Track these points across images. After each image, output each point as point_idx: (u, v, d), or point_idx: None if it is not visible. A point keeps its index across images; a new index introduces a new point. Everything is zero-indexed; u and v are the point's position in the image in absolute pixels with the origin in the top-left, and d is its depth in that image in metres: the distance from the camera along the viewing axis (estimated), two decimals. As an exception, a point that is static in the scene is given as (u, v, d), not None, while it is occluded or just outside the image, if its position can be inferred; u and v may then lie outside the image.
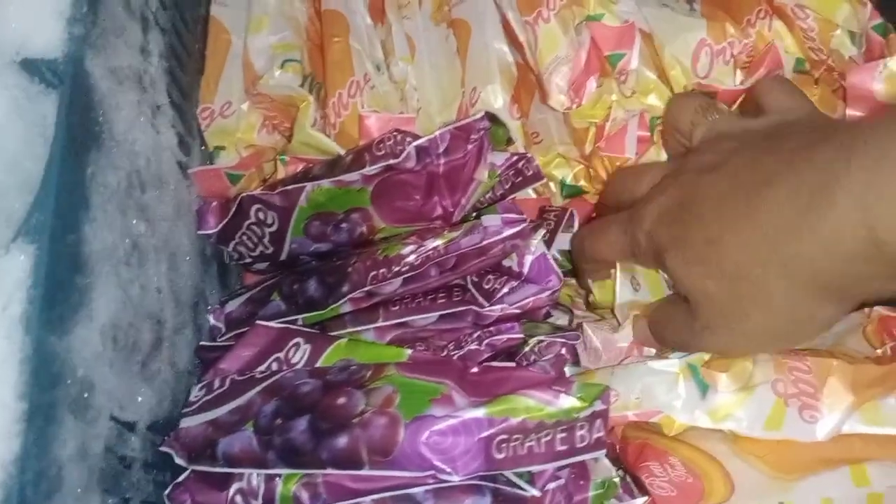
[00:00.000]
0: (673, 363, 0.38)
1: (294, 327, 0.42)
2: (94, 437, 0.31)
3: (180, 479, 0.37)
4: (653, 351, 0.42)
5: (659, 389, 0.38)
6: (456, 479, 0.34)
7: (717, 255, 0.35)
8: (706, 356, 0.39)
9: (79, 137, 0.32)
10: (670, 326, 0.40)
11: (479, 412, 0.36)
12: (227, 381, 0.39)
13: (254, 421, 0.36)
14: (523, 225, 0.40)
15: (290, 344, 0.40)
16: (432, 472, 0.34)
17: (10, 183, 0.31)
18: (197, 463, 0.36)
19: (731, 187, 0.35)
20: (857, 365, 0.38)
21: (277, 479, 0.36)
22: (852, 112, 0.46)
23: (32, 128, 0.32)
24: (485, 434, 0.35)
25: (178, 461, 0.36)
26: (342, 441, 0.35)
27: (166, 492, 0.36)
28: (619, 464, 0.38)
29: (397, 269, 0.41)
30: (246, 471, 0.36)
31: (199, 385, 0.39)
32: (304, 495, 0.36)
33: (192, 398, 0.39)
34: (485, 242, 0.40)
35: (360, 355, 0.40)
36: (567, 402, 0.35)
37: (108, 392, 0.32)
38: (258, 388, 0.38)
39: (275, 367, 0.40)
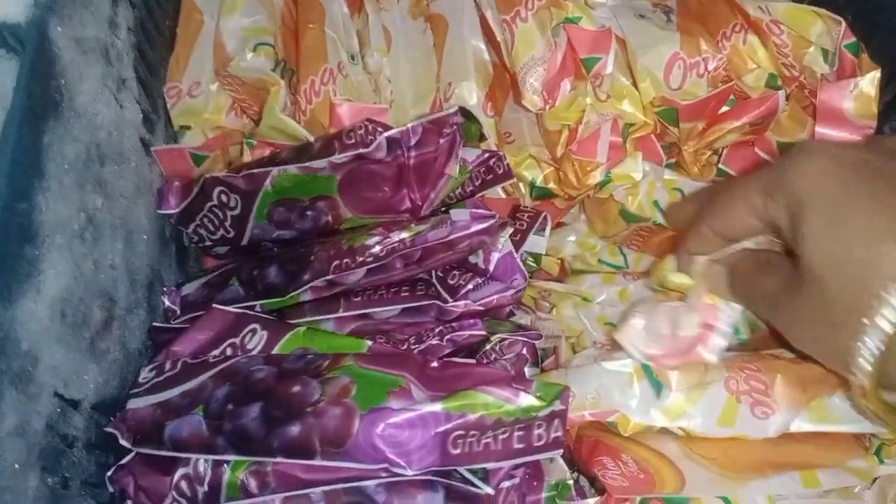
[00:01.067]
0: (627, 363, 0.38)
1: (252, 313, 0.41)
2: (35, 412, 0.30)
3: (123, 461, 0.35)
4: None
5: (614, 389, 0.38)
6: (410, 474, 0.34)
7: None
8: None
9: (38, 105, 0.31)
10: (764, 281, 0.35)
11: (437, 406, 0.35)
12: (179, 364, 0.38)
13: (204, 405, 0.35)
14: (492, 221, 0.40)
15: (247, 329, 0.39)
16: (386, 465, 0.34)
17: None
18: (142, 446, 0.35)
19: None
20: (803, 364, 0.38)
21: (225, 465, 0.35)
22: (821, 129, 0.46)
23: (-11, 93, 0.31)
24: (441, 429, 0.35)
25: (123, 443, 0.35)
26: (294, 430, 0.35)
27: (108, 473, 0.35)
28: (573, 465, 0.38)
29: (361, 259, 0.41)
30: (193, 456, 0.35)
31: (149, 366, 0.38)
32: (252, 483, 0.35)
33: (140, 379, 0.38)
34: (452, 237, 0.40)
35: (319, 344, 0.39)
36: (526, 400, 0.35)
37: (53, 368, 0.31)
38: (211, 373, 0.37)
39: (229, 352, 0.39)
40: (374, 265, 0.41)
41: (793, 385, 0.37)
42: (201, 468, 0.35)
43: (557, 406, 0.35)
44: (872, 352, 0.28)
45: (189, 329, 0.40)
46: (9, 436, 0.28)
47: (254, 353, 0.39)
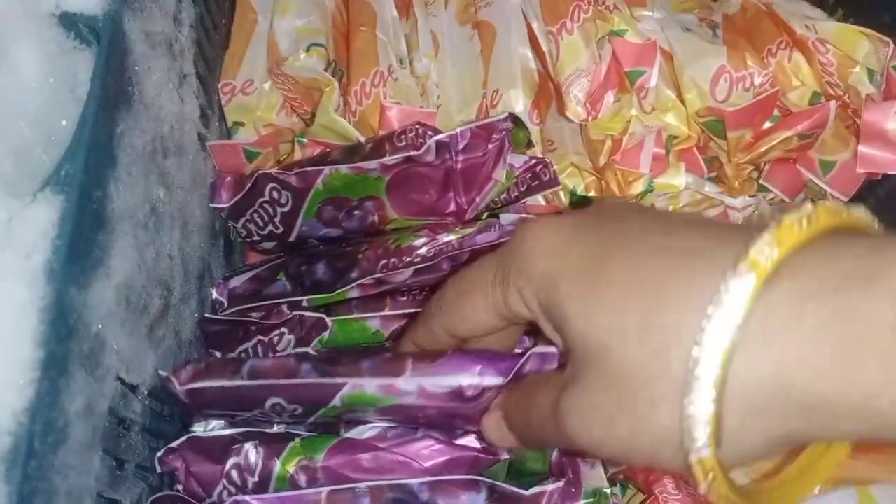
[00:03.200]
0: None
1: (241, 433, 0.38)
2: (100, 395, 0.30)
3: (174, 444, 0.36)
4: None
5: None
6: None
7: None
8: None
9: (112, 96, 0.32)
10: (536, 400, 0.29)
11: None
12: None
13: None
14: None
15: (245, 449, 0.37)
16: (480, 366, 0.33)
17: (38, 136, 0.31)
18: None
19: None
20: None
21: (276, 458, 0.36)
22: (865, 149, 0.46)
23: (63, 84, 0.32)
24: None
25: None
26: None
27: (158, 454, 0.36)
28: (623, 482, 0.38)
29: (409, 259, 0.42)
30: (244, 444, 0.36)
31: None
32: (302, 478, 0.36)
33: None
34: (501, 240, 0.40)
35: (315, 450, 0.37)
36: None
37: (118, 352, 0.32)
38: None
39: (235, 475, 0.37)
40: (421, 265, 0.42)
41: None
42: (252, 458, 0.36)
43: None
44: (705, 423, 0.21)
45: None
46: (77, 416, 0.29)
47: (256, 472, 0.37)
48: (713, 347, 0.20)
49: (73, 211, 0.29)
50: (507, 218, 0.41)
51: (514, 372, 0.32)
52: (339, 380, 0.34)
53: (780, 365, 0.20)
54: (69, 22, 0.33)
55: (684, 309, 0.22)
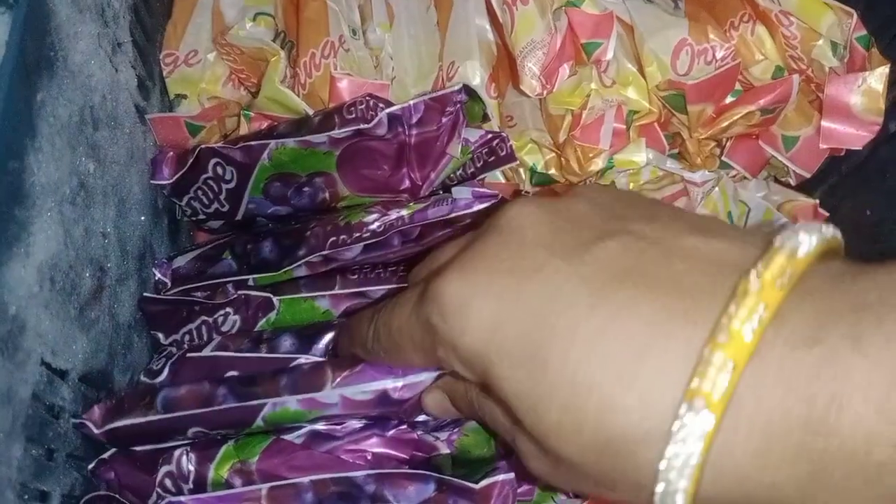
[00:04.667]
0: None
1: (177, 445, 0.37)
2: (20, 380, 0.29)
3: (105, 455, 0.35)
4: None
5: None
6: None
7: None
8: None
9: (31, 61, 0.30)
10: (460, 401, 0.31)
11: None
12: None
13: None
14: (494, 200, 0.39)
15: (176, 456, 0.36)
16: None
17: (-49, 101, 0.29)
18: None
19: None
20: None
21: (209, 463, 0.35)
22: (827, 124, 0.46)
23: (-20, 47, 0.30)
24: None
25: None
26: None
27: (90, 466, 0.34)
28: None
29: (358, 235, 0.40)
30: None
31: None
32: (237, 481, 0.34)
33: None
34: (453, 214, 0.39)
35: (249, 454, 0.36)
36: None
37: (41, 335, 0.30)
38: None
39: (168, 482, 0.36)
40: (371, 241, 0.40)
41: None
42: (184, 465, 0.35)
43: None
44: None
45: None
46: (-7, 403, 0.27)
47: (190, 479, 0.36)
48: (677, 475, 0.19)
49: (-16, 184, 0.26)
50: (459, 192, 0.40)
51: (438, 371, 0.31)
52: (257, 401, 0.33)
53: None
54: (-15, -17, 0.30)
55: (641, 426, 0.19)
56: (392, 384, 0.32)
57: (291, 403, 0.33)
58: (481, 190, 0.39)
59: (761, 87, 0.45)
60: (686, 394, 0.19)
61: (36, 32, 0.31)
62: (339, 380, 0.33)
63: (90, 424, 0.34)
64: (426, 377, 0.31)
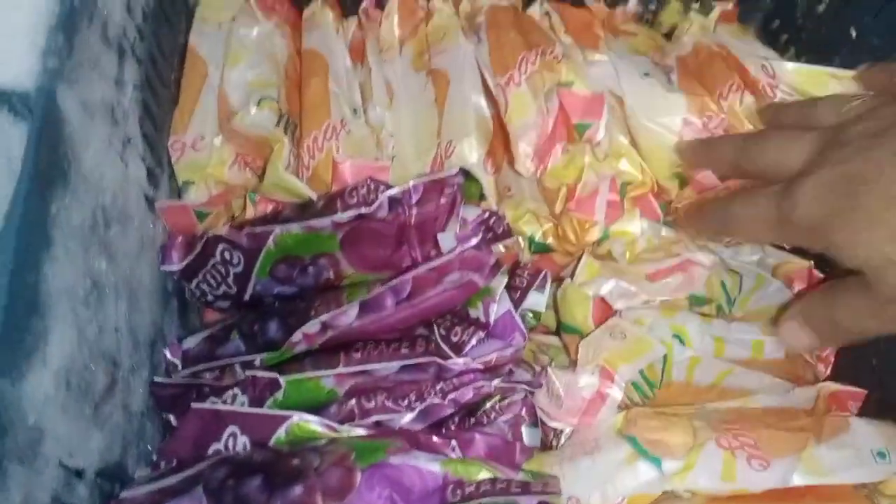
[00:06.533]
0: (618, 451, 0.39)
1: (226, 409, 0.41)
2: (40, 486, 0.30)
3: None
4: (613, 408, 0.42)
5: (617, 479, 0.39)
6: None
7: None
8: (644, 429, 0.40)
9: (45, 174, 0.32)
10: (842, 312, 0.38)
11: (435, 466, 0.36)
12: (174, 461, 0.38)
13: (204, 483, 0.35)
14: (477, 238, 0.41)
15: (227, 434, 0.39)
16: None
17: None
18: None
19: None
20: (778, 414, 0.42)
21: None
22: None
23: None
24: (439, 483, 0.36)
25: None
26: (297, 489, 0.35)
27: None
28: None
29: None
30: None
31: (144, 465, 0.39)
32: None
33: (137, 476, 0.38)
34: (439, 262, 0.40)
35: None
36: (522, 475, 0.36)
37: (59, 438, 0.31)
38: (209, 462, 0.37)
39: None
40: (364, 299, 0.41)
41: (777, 437, 0.40)
42: None
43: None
44: None
45: (177, 429, 0.40)
46: (13, 512, 0.28)
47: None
48: None
49: (4, 300, 0.28)
50: (444, 238, 0.41)
51: None
52: None
53: None
54: (2, 98, 0.32)
55: None
56: None
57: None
58: (463, 233, 0.41)
59: None
60: None
61: (50, 144, 0.32)
62: None
63: None
64: None
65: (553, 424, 0.44)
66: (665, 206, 0.50)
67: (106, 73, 0.38)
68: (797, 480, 0.38)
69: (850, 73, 0.46)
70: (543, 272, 0.48)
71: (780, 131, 0.43)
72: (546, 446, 0.44)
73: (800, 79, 0.47)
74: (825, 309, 0.39)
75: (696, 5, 0.57)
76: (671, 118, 0.47)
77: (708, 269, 0.46)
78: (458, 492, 0.35)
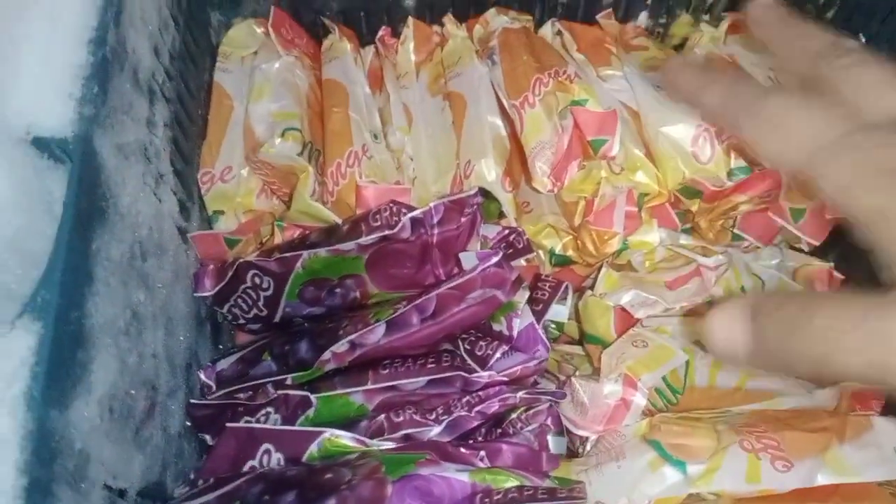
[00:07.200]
0: (641, 457, 0.40)
1: (259, 427, 0.43)
2: (87, 508, 0.32)
3: None
4: (637, 415, 0.43)
5: (643, 484, 0.39)
6: None
7: None
8: (668, 433, 0.40)
9: (85, 215, 0.34)
10: (820, 330, 0.26)
11: (464, 476, 0.37)
12: (211, 479, 0.40)
13: (241, 499, 0.37)
14: (497, 257, 0.42)
15: (261, 451, 0.41)
16: None
17: (15, 259, 0.33)
18: None
19: None
20: (800, 416, 0.42)
21: None
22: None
23: (38, 204, 0.34)
24: (469, 492, 0.37)
25: None
26: (331, 503, 0.36)
27: None
28: None
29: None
30: None
31: (182, 484, 0.41)
32: None
33: (175, 494, 0.40)
34: (462, 279, 0.42)
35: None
36: (549, 482, 0.37)
37: (103, 462, 0.33)
38: (244, 479, 0.39)
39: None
40: (390, 317, 0.43)
41: (800, 437, 0.40)
42: None
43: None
44: None
45: (214, 448, 0.42)
46: (64, 533, 0.30)
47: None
48: None
49: (50, 336, 0.30)
50: (465, 257, 0.42)
51: None
52: None
53: None
54: (41, 145, 0.34)
55: None
56: None
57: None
58: (485, 251, 0.42)
59: (753, 178, 0.47)
60: None
61: (88, 188, 0.34)
62: None
63: None
64: None
65: (579, 433, 0.44)
66: (682, 213, 0.51)
67: (138, 115, 0.41)
68: (821, 480, 0.38)
69: None
70: (565, 284, 0.49)
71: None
72: (573, 454, 0.46)
73: None
74: (794, 320, 0.26)
75: (706, 17, 0.58)
76: (685, 127, 0.48)
77: (714, 271, 0.46)
78: (487, 500, 0.36)
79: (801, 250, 0.52)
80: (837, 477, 0.39)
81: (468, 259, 0.44)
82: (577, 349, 0.54)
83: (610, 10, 0.57)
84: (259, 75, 0.51)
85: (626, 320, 0.47)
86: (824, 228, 0.49)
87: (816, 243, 0.50)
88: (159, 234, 0.41)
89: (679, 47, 0.59)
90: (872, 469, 0.39)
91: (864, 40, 0.49)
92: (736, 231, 0.51)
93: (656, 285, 0.47)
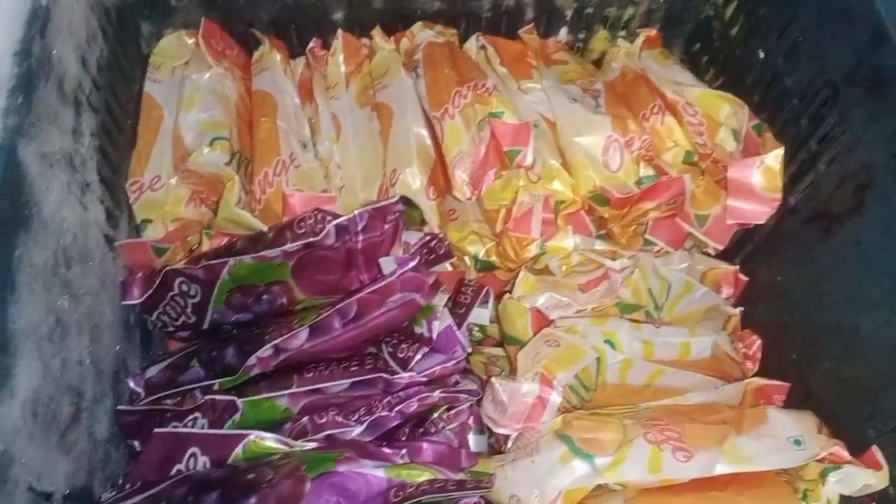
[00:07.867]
0: (553, 451, 0.42)
1: (187, 431, 0.44)
2: (9, 509, 0.32)
3: None
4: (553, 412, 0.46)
5: (553, 477, 0.41)
6: None
7: None
8: (578, 429, 0.43)
9: (8, 222, 0.34)
10: None
11: (380, 472, 0.39)
12: (138, 483, 0.41)
13: (166, 501, 0.38)
14: (414, 261, 0.44)
15: (188, 454, 0.42)
16: None
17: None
18: None
19: None
20: (701, 409, 0.45)
21: None
22: (733, 202, 0.51)
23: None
24: (384, 487, 0.39)
25: None
26: (252, 501, 0.37)
27: None
28: None
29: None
30: None
31: (110, 489, 0.41)
32: None
33: (102, 498, 0.41)
34: (382, 284, 0.43)
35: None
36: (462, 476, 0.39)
37: (27, 464, 0.34)
38: (170, 481, 0.40)
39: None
40: (313, 322, 0.44)
41: (700, 429, 0.43)
42: None
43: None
44: None
45: (141, 453, 0.43)
46: (-14, 533, 0.30)
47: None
48: None
49: (-29, 341, 0.30)
50: (386, 264, 0.44)
51: None
52: None
53: None
54: (-36, 155, 0.35)
55: None
56: None
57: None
58: (403, 257, 0.44)
59: (658, 186, 0.50)
60: None
61: (11, 195, 0.35)
62: None
63: None
64: None
65: (499, 431, 0.46)
66: (596, 220, 0.54)
67: (64, 125, 0.41)
68: (720, 469, 0.41)
69: (737, 98, 0.51)
70: (486, 288, 0.51)
71: None
72: (497, 452, 0.48)
73: (701, 101, 0.51)
74: None
75: (622, 32, 0.61)
76: (596, 138, 0.51)
77: (620, 273, 0.49)
78: (401, 493, 0.38)
79: (709, 254, 0.56)
80: (735, 466, 0.41)
81: (387, 264, 0.46)
82: (501, 351, 0.56)
83: (532, 25, 0.60)
84: (189, 85, 0.52)
85: (543, 322, 0.49)
86: (727, 233, 0.53)
87: (720, 247, 0.53)
88: (84, 242, 0.42)
89: (598, 62, 0.63)
90: (768, 458, 0.42)
91: (762, 56, 0.52)
92: (647, 237, 0.54)
93: (570, 288, 0.49)
